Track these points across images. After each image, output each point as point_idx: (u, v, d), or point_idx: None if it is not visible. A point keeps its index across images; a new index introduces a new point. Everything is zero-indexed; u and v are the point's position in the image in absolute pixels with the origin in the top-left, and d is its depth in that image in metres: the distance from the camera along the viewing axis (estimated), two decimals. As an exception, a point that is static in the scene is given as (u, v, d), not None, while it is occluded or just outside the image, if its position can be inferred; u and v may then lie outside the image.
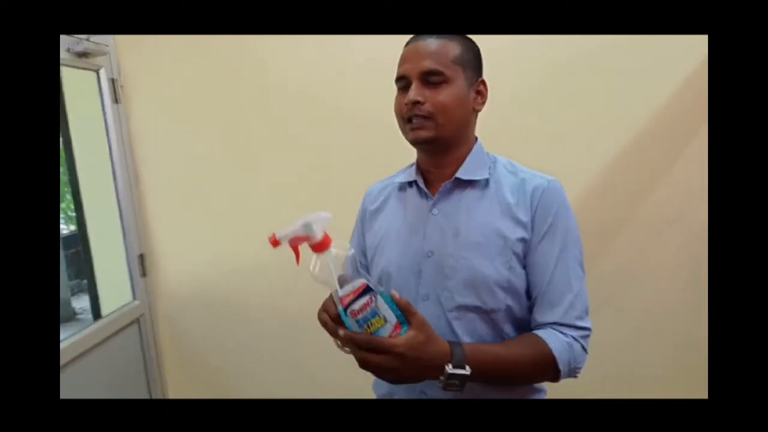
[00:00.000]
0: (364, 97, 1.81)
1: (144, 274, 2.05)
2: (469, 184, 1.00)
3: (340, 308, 0.83)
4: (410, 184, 1.06)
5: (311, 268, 0.83)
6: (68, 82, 1.97)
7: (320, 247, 0.82)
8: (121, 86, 1.97)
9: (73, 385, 1.65)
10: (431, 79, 0.95)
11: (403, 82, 0.98)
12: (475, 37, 1.01)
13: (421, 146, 1.00)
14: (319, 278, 0.83)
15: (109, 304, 2.04)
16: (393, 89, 1.01)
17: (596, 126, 1.78)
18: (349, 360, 0.86)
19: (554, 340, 0.91)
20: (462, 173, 1.00)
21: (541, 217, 0.96)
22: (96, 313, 2.11)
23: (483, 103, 1.02)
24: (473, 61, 0.99)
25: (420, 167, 1.06)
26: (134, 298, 2.03)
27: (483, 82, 1.01)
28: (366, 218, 1.14)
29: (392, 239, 1.05)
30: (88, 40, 1.77)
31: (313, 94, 1.89)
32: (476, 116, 1.03)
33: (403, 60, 0.98)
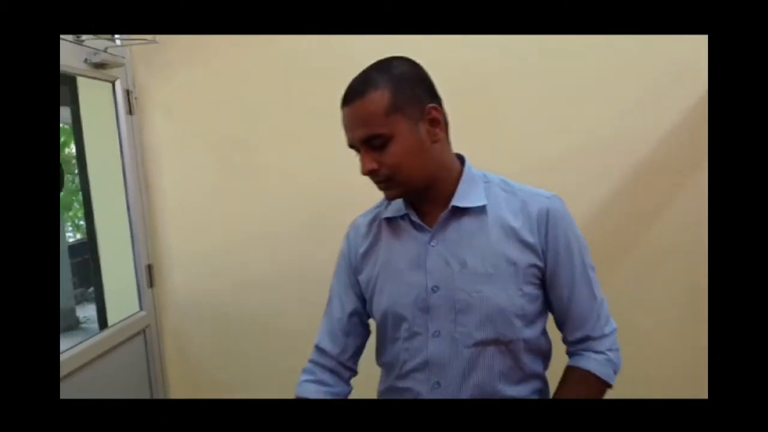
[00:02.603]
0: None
1: (151, 284, 2.05)
2: (467, 211, 0.96)
3: None
4: (402, 217, 1.00)
5: None
6: (84, 92, 2.00)
7: None
8: (135, 98, 1.99)
9: (77, 394, 1.65)
10: (373, 143, 0.90)
11: (353, 148, 0.94)
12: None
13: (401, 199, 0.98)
14: None
15: (115, 313, 2.04)
16: None
17: (600, 150, 1.78)
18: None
19: (595, 366, 0.96)
20: (458, 201, 0.95)
21: (553, 242, 0.94)
22: (102, 322, 2.11)
23: (442, 129, 0.94)
24: (412, 96, 0.91)
25: (409, 199, 1.00)
26: (141, 308, 2.03)
27: (434, 108, 0.92)
28: (356, 257, 1.06)
29: (391, 276, 1.00)
30: (105, 51, 1.79)
31: (325, 106, 1.88)
32: (443, 144, 0.96)
33: (344, 126, 0.94)
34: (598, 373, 0.96)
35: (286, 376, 2.07)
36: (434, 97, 0.95)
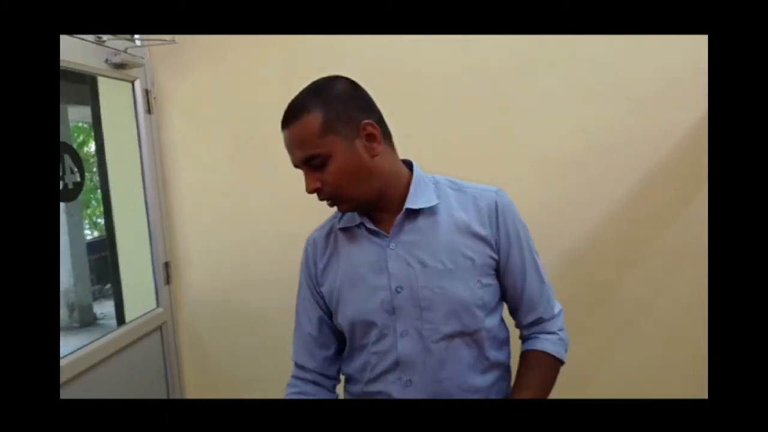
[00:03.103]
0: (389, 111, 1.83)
1: (168, 281, 2.08)
2: (420, 212, 0.99)
3: None
4: (357, 226, 1.02)
5: None
6: (104, 91, 2.03)
7: None
8: (154, 97, 2.02)
9: (95, 389, 1.68)
10: (313, 163, 0.93)
11: (298, 167, 0.97)
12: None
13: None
14: None
15: (132, 310, 2.08)
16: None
17: (616, 153, 1.77)
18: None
19: (550, 346, 1.03)
20: (410, 203, 0.98)
21: (504, 233, 1.01)
22: (120, 318, 2.14)
23: (379, 142, 0.96)
24: (344, 116, 0.93)
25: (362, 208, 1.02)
26: (158, 305, 2.06)
27: (369, 124, 0.94)
28: (317, 271, 1.08)
29: (354, 284, 1.01)
30: (125, 51, 1.82)
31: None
32: (386, 152, 0.98)
33: (286, 149, 0.97)
34: (552, 352, 1.03)
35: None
36: (370, 112, 0.97)
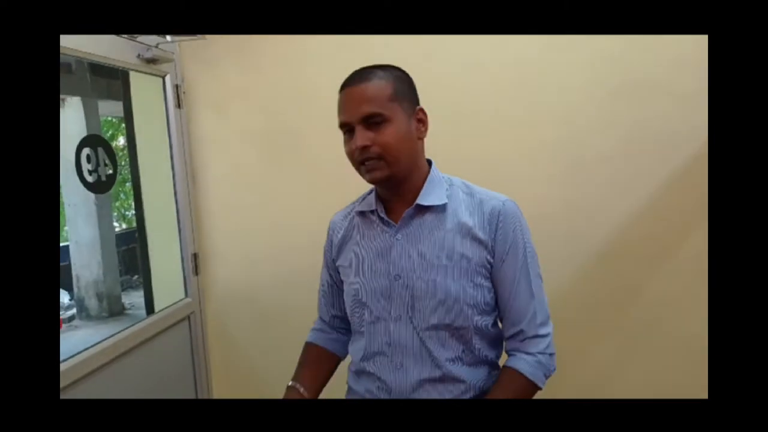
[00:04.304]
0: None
1: (197, 272, 2.12)
2: (429, 209, 1.06)
3: None
4: (372, 212, 1.11)
5: None
6: (136, 86, 2.07)
7: None
8: (184, 92, 2.06)
9: (125, 376, 1.73)
10: (373, 121, 0.99)
11: (347, 127, 1.03)
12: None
13: (379, 184, 1.07)
14: None
15: (161, 300, 2.12)
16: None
17: (645, 152, 1.75)
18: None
19: (525, 367, 1.02)
20: (422, 200, 1.06)
21: (501, 240, 1.04)
22: (149, 308, 2.19)
23: (425, 130, 1.07)
24: (408, 93, 1.04)
25: (379, 196, 1.11)
26: (186, 295, 2.10)
27: (422, 110, 1.06)
28: (333, 248, 1.19)
29: (361, 265, 1.11)
30: (156, 47, 1.86)
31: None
32: (422, 144, 1.08)
33: (342, 107, 1.03)
34: (526, 374, 1.02)
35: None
36: (419, 103, 1.07)
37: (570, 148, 1.79)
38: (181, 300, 2.07)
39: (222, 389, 2.23)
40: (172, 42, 1.98)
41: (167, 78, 2.00)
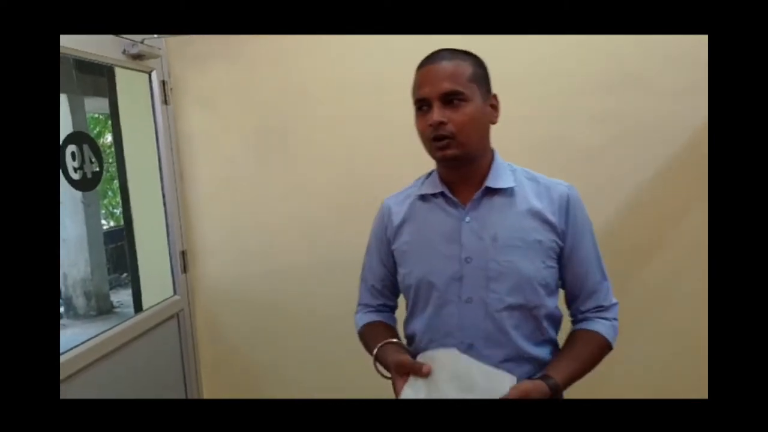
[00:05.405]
0: (403, 101, 1.84)
1: (185, 270, 2.11)
2: (498, 192, 1.07)
3: None
4: (435, 195, 1.11)
5: None
6: (121, 82, 2.06)
7: None
8: (171, 88, 2.04)
9: (114, 374, 1.72)
10: (450, 98, 1.00)
11: (423, 103, 1.03)
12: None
13: (448, 162, 1.06)
14: None
15: (150, 298, 2.11)
16: None
17: (632, 142, 1.77)
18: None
19: (604, 329, 1.08)
20: (491, 182, 1.07)
21: (573, 224, 1.07)
22: (138, 306, 2.18)
23: (497, 116, 1.08)
24: (485, 78, 1.06)
25: (443, 179, 1.10)
26: (175, 293, 2.09)
27: (495, 96, 1.08)
28: (389, 232, 1.17)
29: (425, 248, 1.10)
30: (142, 42, 1.85)
31: (355, 98, 1.92)
32: (491, 129, 1.09)
33: (421, 83, 1.04)
34: (605, 335, 1.08)
35: (317, 360, 2.13)
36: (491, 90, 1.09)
37: (564, 143, 1.80)
38: (169, 297, 2.06)
39: (211, 385, 2.22)
40: (158, 38, 1.97)
41: (153, 74, 1.98)
